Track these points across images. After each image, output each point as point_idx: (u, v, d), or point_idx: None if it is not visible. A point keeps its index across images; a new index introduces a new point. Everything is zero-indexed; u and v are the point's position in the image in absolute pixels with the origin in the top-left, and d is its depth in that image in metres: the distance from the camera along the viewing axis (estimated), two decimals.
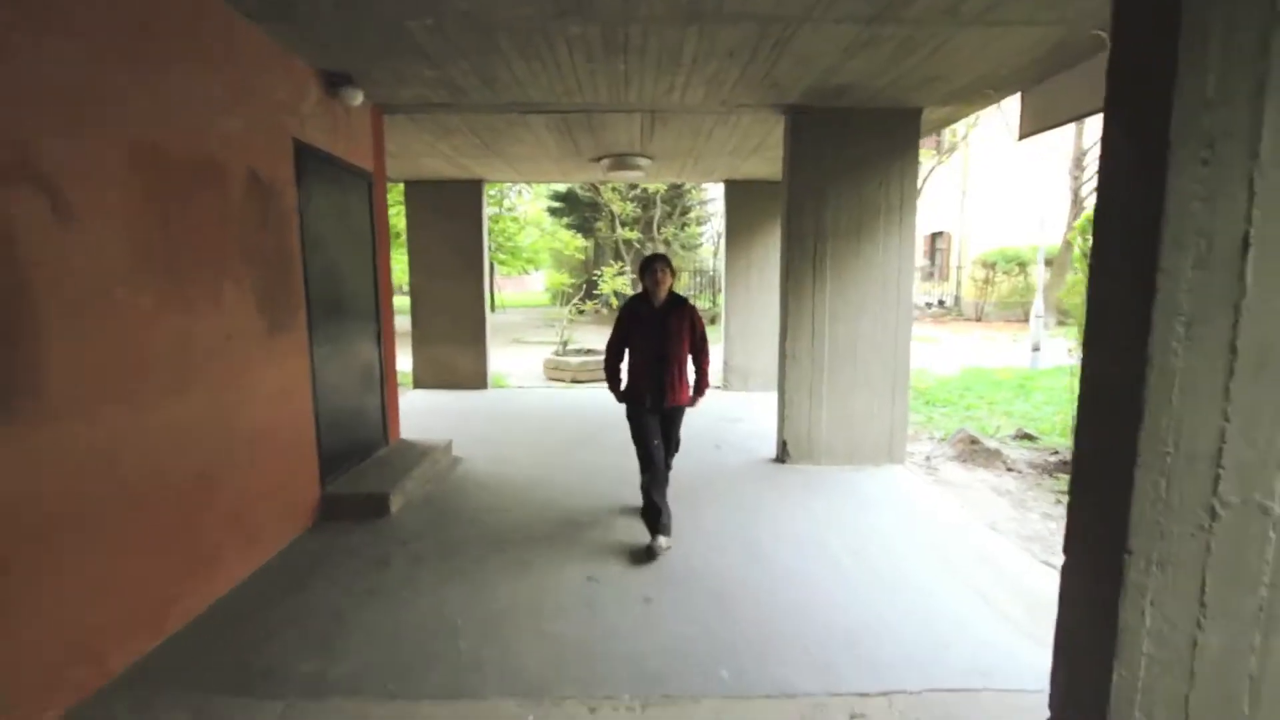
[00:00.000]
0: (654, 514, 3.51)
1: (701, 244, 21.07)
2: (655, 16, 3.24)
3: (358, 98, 4.24)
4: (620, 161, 6.89)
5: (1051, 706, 1.91)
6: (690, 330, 3.64)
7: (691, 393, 3.73)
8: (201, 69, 2.90)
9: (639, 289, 3.78)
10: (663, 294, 3.62)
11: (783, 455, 5.20)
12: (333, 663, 2.50)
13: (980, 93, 4.58)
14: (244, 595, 3.03)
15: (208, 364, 2.91)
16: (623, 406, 3.73)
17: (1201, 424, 1.58)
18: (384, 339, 5.02)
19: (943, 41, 3.54)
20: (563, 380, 9.33)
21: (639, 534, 3.67)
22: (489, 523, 3.94)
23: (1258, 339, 1.56)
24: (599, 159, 6.95)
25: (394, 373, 5.25)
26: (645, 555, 3.42)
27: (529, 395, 8.33)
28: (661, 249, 16.22)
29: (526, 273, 27.47)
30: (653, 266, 3.61)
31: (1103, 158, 1.71)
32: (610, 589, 3.08)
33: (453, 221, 8.27)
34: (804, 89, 4.46)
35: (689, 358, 3.69)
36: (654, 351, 3.58)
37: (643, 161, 6.97)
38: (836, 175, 4.95)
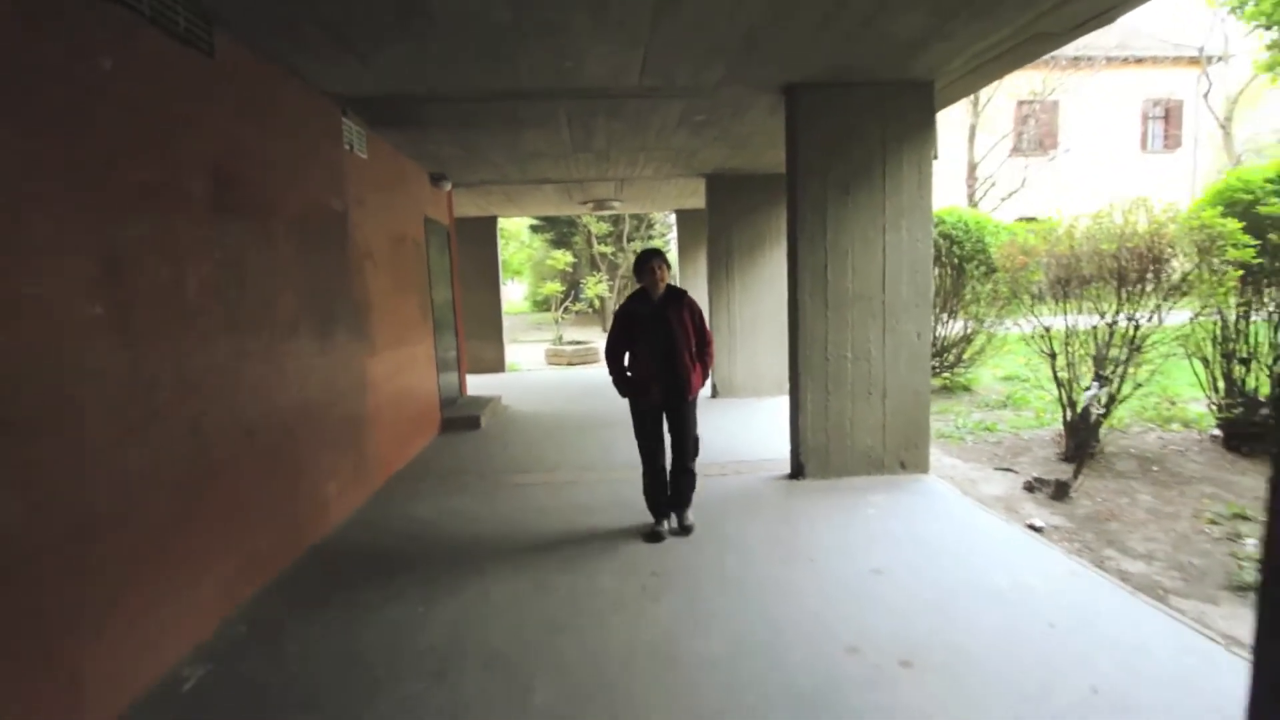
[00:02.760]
0: (654, 502, 3.82)
1: (667, 251, 24.18)
2: (623, 149, 6.25)
3: (448, 185, 7.16)
4: (600, 204, 9.88)
5: (790, 441, 4.93)
6: (691, 320, 3.65)
7: (700, 380, 3.70)
8: (403, 190, 5.81)
9: (634, 288, 3.80)
10: (660, 288, 3.62)
11: (715, 393, 8.22)
12: (489, 464, 5.42)
13: None
14: (425, 456, 5.92)
15: (409, 333, 5.81)
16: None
17: (817, 327, 4.63)
18: (459, 333, 7.93)
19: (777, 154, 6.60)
20: (561, 364, 12.30)
21: (623, 435, 6.55)
22: (541, 427, 6.89)
23: (835, 295, 4.61)
24: (585, 202, 9.93)
25: (464, 353, 8.16)
26: (651, 537, 3.74)
27: (538, 374, 11.27)
28: (634, 257, 19.19)
29: (505, 283, 30.32)
30: (649, 263, 3.60)
31: (787, 240, 4.74)
32: (619, 451, 6.02)
33: (477, 249, 11.14)
34: (712, 168, 7.50)
35: (694, 349, 3.65)
36: (660, 347, 3.56)
37: (616, 203, 9.97)
38: (739, 214, 7.99)
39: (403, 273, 5.77)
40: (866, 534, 3.73)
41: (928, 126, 4.58)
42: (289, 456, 3.58)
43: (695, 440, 3.75)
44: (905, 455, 4.81)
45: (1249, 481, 4.58)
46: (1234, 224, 4.76)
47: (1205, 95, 19.82)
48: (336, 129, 4.43)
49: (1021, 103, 19.79)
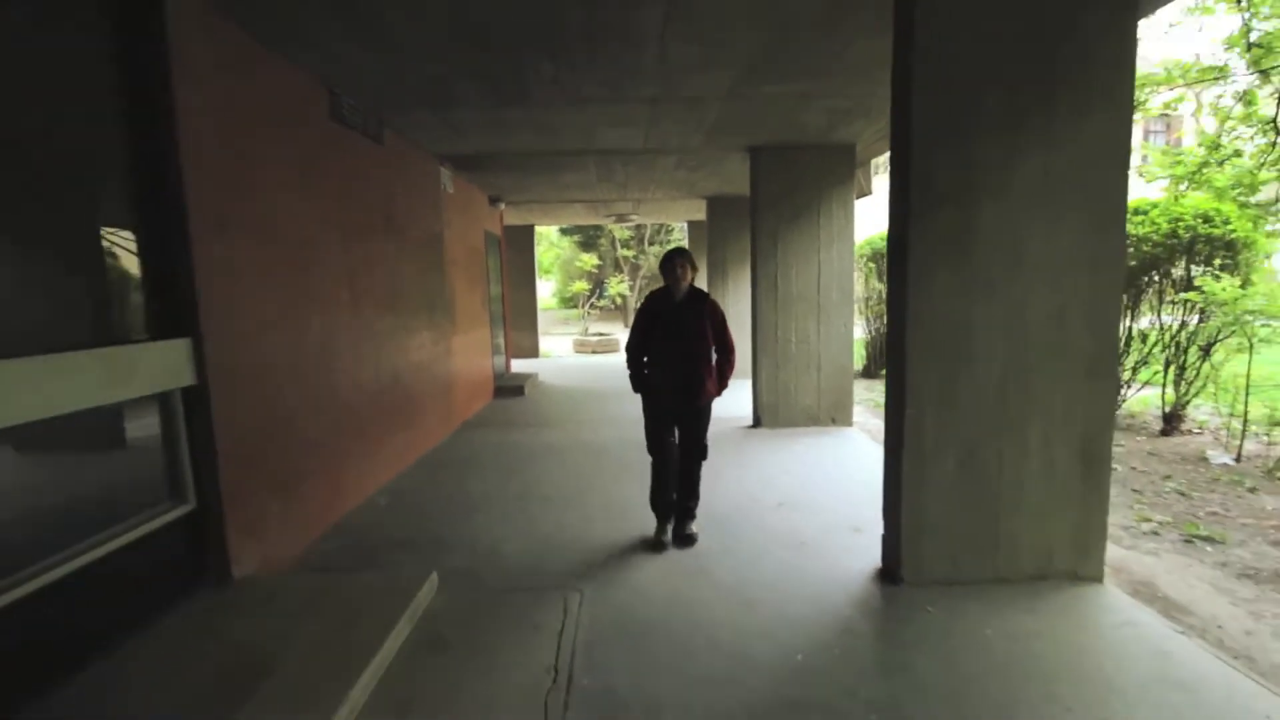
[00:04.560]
0: (662, 506, 3.72)
1: None
2: (637, 180, 8.15)
3: (501, 205, 9.14)
4: (622, 217, 11.80)
5: (751, 402, 6.79)
6: (711, 324, 3.55)
7: (715, 386, 3.62)
8: (472, 212, 7.79)
9: (660, 286, 3.68)
10: (684, 288, 3.54)
11: None
12: (532, 418, 7.37)
13: None
14: (484, 412, 7.89)
15: (475, 320, 7.79)
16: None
17: (770, 319, 6.48)
18: (506, 322, 9.92)
19: None
20: (586, 351, 14.27)
21: (630, 403, 8.45)
22: (569, 397, 8.84)
23: (784, 296, 6.46)
24: (609, 215, 11.86)
25: (510, 340, 10.15)
26: (654, 546, 3.61)
27: (567, 360, 13.24)
28: (653, 259, 21.06)
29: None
30: (673, 261, 3.53)
31: (750, 255, 6.60)
32: (625, 413, 7.92)
33: (516, 252, 13.12)
34: (710, 192, 9.36)
35: (713, 353, 3.56)
36: (677, 348, 3.52)
37: (635, 216, 11.88)
38: (731, 230, 9.83)
39: (472, 275, 7.76)
40: (789, 456, 5.58)
41: (851, 176, 6.38)
42: (413, 395, 5.56)
43: (704, 447, 3.68)
44: (835, 413, 6.63)
45: None
46: None
47: None
48: (436, 175, 6.40)
49: None
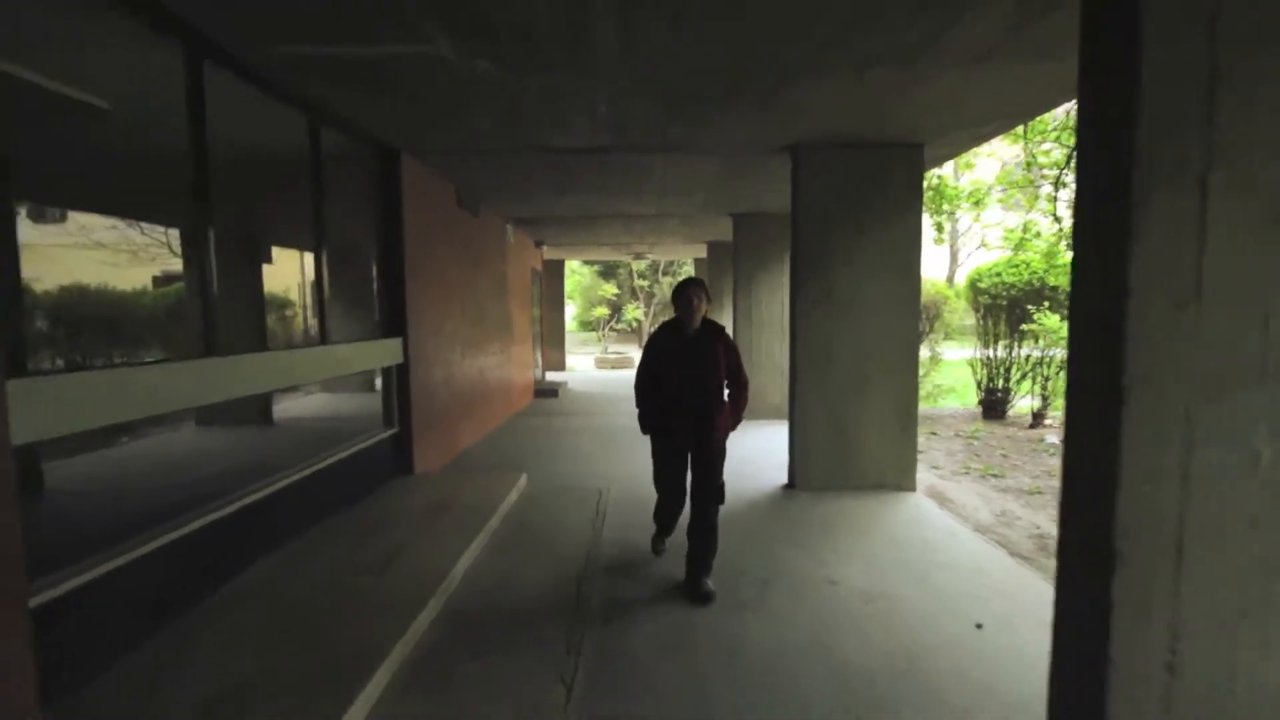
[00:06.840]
0: (665, 519, 3.80)
1: None
2: (651, 230, 10.54)
3: (544, 247, 11.58)
4: (639, 254, 14.23)
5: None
6: (726, 357, 3.35)
7: (729, 423, 3.39)
8: (524, 254, 10.22)
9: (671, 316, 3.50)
10: (696, 321, 3.35)
11: None
12: (565, 410, 9.67)
13: None
14: (529, 407, 10.21)
15: (524, 336, 10.16)
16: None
17: (746, 338, 8.76)
18: (543, 341, 12.32)
19: None
20: (606, 367, 16.65)
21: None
22: (592, 398, 11.15)
23: (755, 323, 8.75)
24: (629, 253, 14.30)
25: (547, 356, 12.54)
26: (654, 548, 3.93)
27: (590, 373, 15.59)
28: (666, 288, 23.43)
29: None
30: (686, 292, 3.35)
31: (732, 293, 8.90)
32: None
33: (549, 281, 15.58)
34: (711, 238, 11.73)
35: (726, 389, 3.36)
36: (690, 384, 3.32)
37: (649, 254, 14.32)
38: (727, 270, 12.15)
39: (522, 302, 10.15)
40: (755, 437, 7.79)
41: None
42: (488, 385, 7.89)
43: (720, 488, 3.41)
44: None
45: (977, 425, 8.45)
46: (984, 299, 8.68)
47: None
48: (503, 230, 8.83)
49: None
